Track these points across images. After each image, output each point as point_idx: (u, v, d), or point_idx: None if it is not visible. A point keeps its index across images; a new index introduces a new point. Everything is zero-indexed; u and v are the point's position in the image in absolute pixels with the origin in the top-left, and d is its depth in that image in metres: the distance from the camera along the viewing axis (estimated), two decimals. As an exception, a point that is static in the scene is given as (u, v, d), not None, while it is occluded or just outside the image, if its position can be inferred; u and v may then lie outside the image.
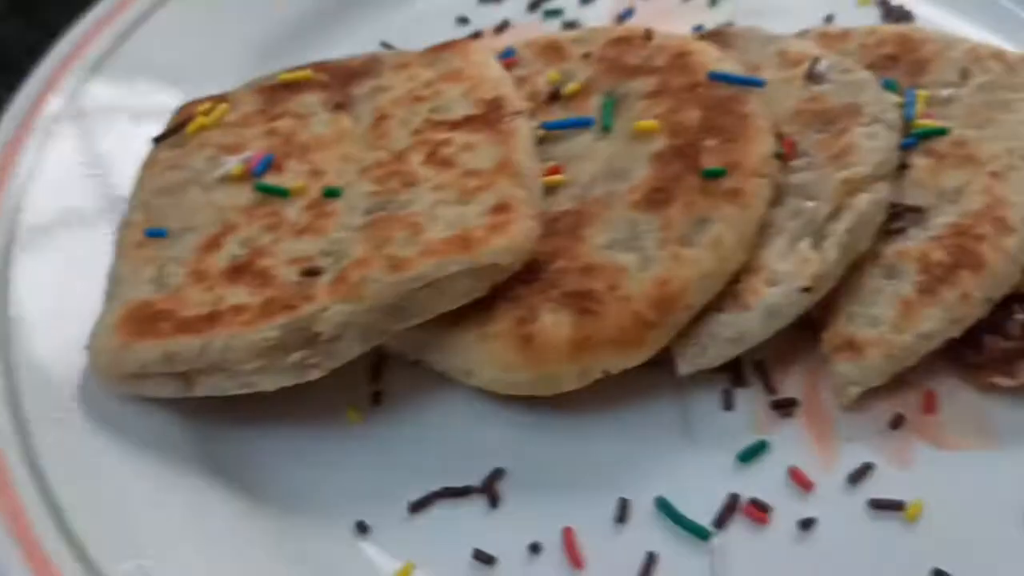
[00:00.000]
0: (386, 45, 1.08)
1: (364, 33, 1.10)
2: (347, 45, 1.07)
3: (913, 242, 0.79)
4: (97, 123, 0.95)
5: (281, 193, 0.80)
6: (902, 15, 1.08)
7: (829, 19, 1.08)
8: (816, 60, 0.87)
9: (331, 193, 0.79)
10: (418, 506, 0.73)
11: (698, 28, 1.06)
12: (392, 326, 0.73)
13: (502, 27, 1.10)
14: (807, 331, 0.79)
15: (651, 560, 0.70)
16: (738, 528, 0.72)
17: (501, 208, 0.75)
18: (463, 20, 1.12)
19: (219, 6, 1.08)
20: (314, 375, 0.73)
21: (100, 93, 0.98)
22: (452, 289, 0.72)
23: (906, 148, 0.83)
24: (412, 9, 1.13)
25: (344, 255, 0.74)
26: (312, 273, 0.74)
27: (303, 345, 0.72)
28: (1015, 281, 0.77)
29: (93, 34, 1.01)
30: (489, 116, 0.82)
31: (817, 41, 0.96)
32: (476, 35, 1.09)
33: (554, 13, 1.11)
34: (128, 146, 0.92)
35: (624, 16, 1.10)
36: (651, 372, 0.77)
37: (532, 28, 1.09)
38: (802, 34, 0.97)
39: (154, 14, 1.05)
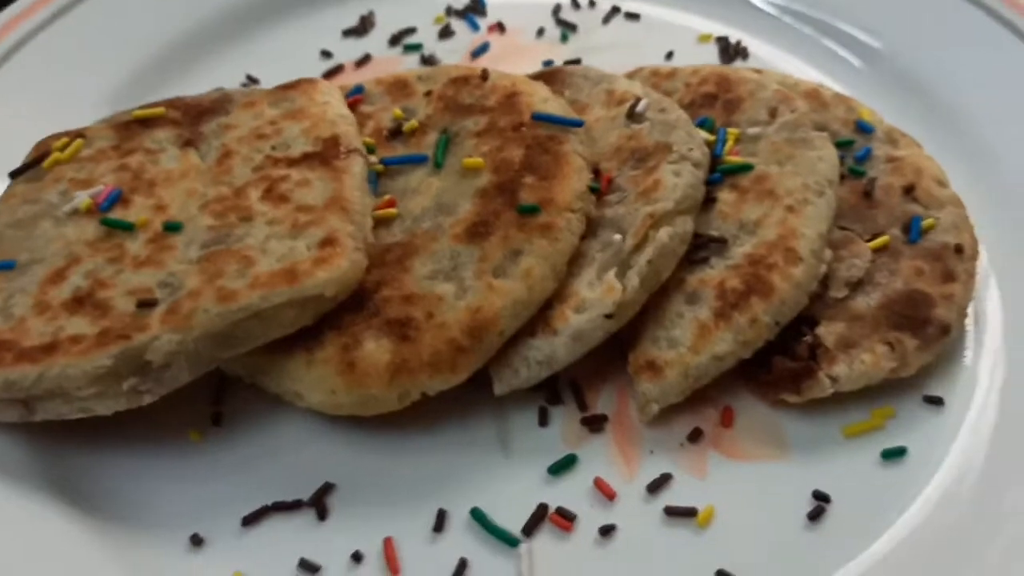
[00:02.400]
0: (251, 78, 1.13)
1: (231, 66, 1.15)
2: (215, 77, 1.13)
3: (714, 270, 0.86)
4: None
5: (125, 227, 0.85)
6: (737, 52, 1.16)
7: (669, 55, 1.15)
8: (637, 100, 0.94)
9: (171, 227, 0.84)
10: (250, 520, 0.79)
11: (548, 63, 1.13)
12: (221, 354, 0.78)
13: (363, 61, 1.16)
14: (618, 353, 0.86)
15: (463, 565, 0.76)
16: (545, 535, 0.78)
17: (328, 242, 0.80)
18: (327, 54, 1.17)
19: (87, 42, 1.11)
20: (147, 400, 0.78)
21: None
22: (278, 319, 0.78)
23: (713, 183, 0.90)
24: (278, 42, 1.18)
25: (180, 287, 0.79)
26: (148, 304, 0.78)
27: (135, 373, 0.76)
28: (802, 306, 0.84)
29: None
30: (326, 154, 0.88)
31: (648, 79, 1.03)
32: (338, 68, 1.15)
33: (413, 48, 1.17)
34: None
35: (479, 52, 1.16)
36: (473, 392, 0.83)
37: (391, 62, 1.15)
38: (634, 72, 1.05)
39: (27, 44, 1.09)
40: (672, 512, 0.79)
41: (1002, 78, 1.04)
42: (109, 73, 1.11)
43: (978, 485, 0.79)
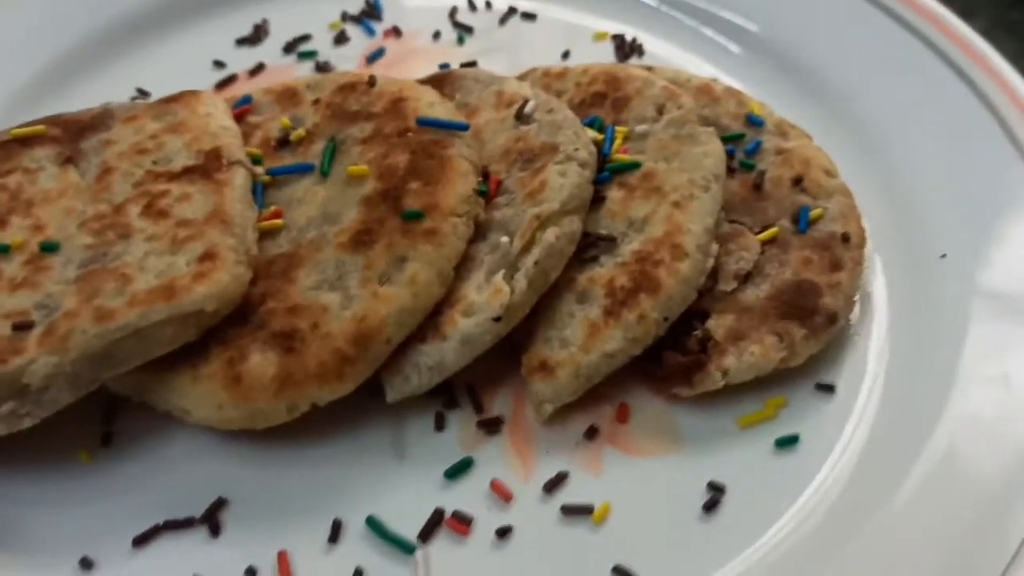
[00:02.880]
0: (141, 91, 1.12)
1: (121, 79, 1.13)
2: (105, 90, 1.10)
3: (604, 268, 0.86)
4: None
5: (1, 250, 0.83)
6: (633, 49, 1.17)
7: (566, 55, 1.16)
8: (525, 101, 0.94)
9: (48, 248, 0.82)
10: (141, 540, 0.77)
11: (444, 66, 1.12)
12: (101, 374, 0.76)
13: (256, 70, 1.14)
14: (513, 354, 0.86)
15: (358, 575, 0.75)
16: (442, 540, 0.78)
17: (208, 256, 0.79)
18: (219, 63, 1.15)
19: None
20: (27, 423, 0.76)
21: None
22: (158, 336, 0.77)
23: (602, 182, 0.91)
24: (170, 52, 1.16)
25: (56, 308, 0.78)
26: (24, 327, 0.77)
27: (14, 396, 0.75)
28: (690, 301, 0.85)
29: None
30: (208, 166, 0.87)
31: (538, 80, 1.03)
32: (231, 78, 1.13)
33: (308, 55, 1.16)
34: None
35: (374, 57, 1.16)
36: (367, 399, 0.82)
37: (286, 71, 1.14)
38: (526, 73, 1.05)
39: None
40: (568, 511, 0.79)
41: (880, 60, 1.06)
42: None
43: (869, 468, 0.81)
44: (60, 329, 0.76)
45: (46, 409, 0.76)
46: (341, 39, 1.18)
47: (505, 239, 0.84)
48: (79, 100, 1.07)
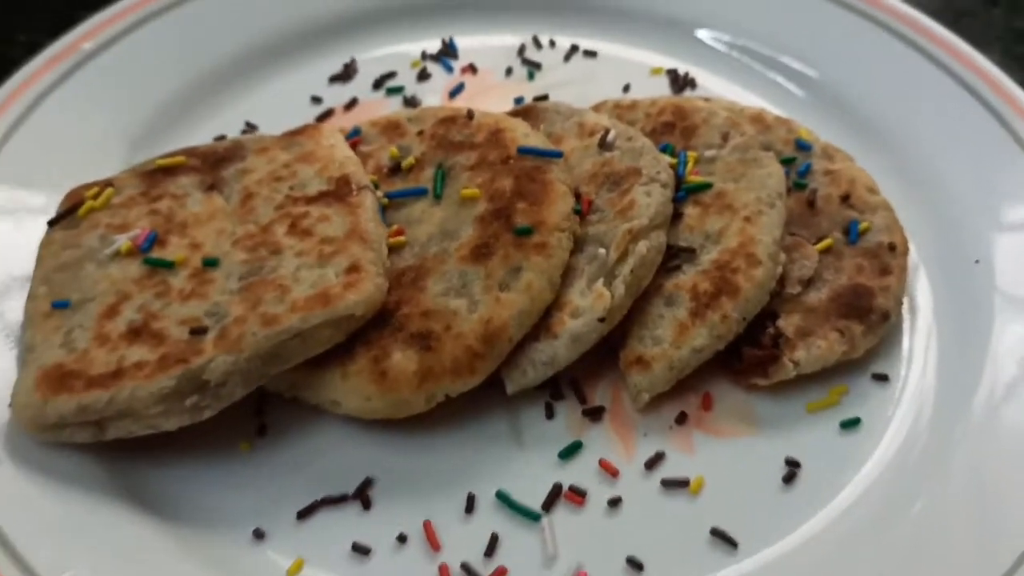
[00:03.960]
0: (250, 124, 1.24)
1: (230, 114, 1.24)
2: (216, 124, 1.22)
3: (687, 276, 0.99)
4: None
5: (167, 265, 0.95)
6: (687, 83, 1.30)
7: (626, 88, 1.29)
8: (607, 131, 1.07)
9: (210, 263, 0.94)
10: (304, 513, 0.89)
11: (519, 100, 1.25)
12: (269, 371, 0.88)
13: (351, 104, 1.27)
14: (610, 352, 0.98)
15: (495, 540, 0.87)
16: (562, 510, 0.90)
17: (353, 268, 0.91)
18: (316, 99, 1.28)
19: (92, 99, 1.20)
20: (207, 415, 0.88)
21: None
22: (316, 338, 0.89)
23: (679, 200, 1.03)
24: (271, 90, 1.28)
25: (225, 315, 0.90)
26: (199, 332, 0.89)
27: (195, 391, 0.87)
28: (764, 303, 0.98)
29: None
30: (339, 191, 0.99)
31: (611, 111, 1.17)
32: (328, 112, 1.26)
33: (395, 90, 1.29)
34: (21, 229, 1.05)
35: (456, 92, 1.28)
36: (486, 393, 0.95)
37: (377, 105, 1.26)
38: (598, 105, 1.18)
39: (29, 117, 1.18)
40: (668, 484, 0.91)
41: (920, 98, 1.20)
42: (118, 124, 1.19)
43: (920, 443, 0.94)
44: (232, 333, 0.88)
45: (224, 401, 0.88)
46: (423, 76, 1.30)
47: (602, 251, 0.97)
48: (193, 133, 1.20)
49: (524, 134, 1.06)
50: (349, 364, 0.91)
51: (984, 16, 1.47)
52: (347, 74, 1.31)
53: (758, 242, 0.99)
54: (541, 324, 0.94)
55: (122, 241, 0.97)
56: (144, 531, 0.86)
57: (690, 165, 1.06)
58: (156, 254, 0.96)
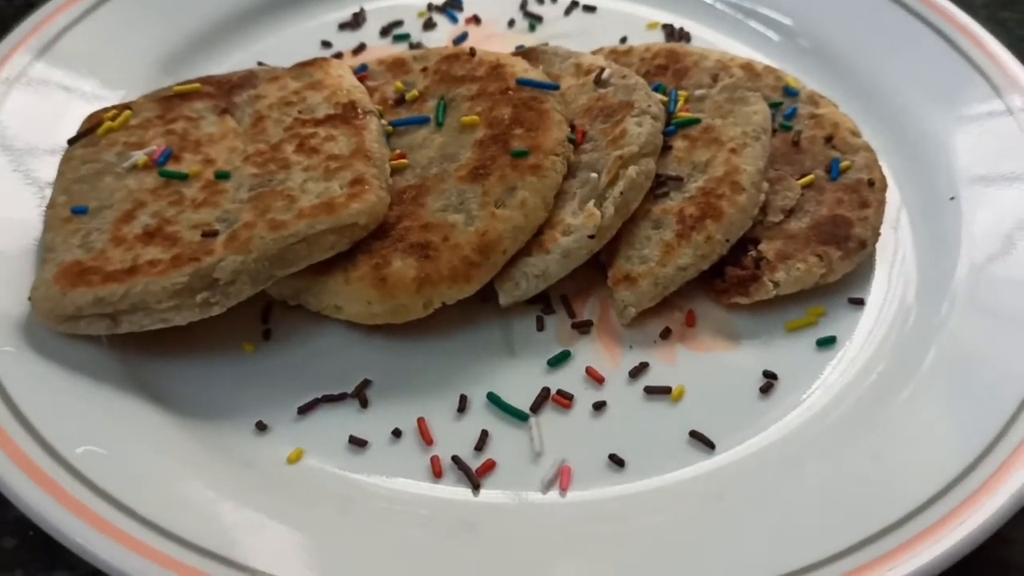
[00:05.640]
0: (261, 63, 1.29)
1: (243, 54, 1.30)
2: (229, 63, 1.28)
3: (674, 201, 1.04)
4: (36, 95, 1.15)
5: (181, 177, 1.00)
6: (682, 36, 1.36)
7: (623, 40, 1.34)
8: (602, 69, 1.12)
9: (221, 176, 1.00)
10: (304, 409, 0.94)
11: (519, 47, 1.31)
12: (276, 272, 0.94)
13: (359, 49, 1.33)
14: (600, 271, 1.04)
15: (484, 436, 0.92)
16: (549, 412, 0.95)
17: (358, 182, 0.97)
18: (326, 43, 1.33)
19: (131, 21, 1.27)
20: (216, 311, 0.93)
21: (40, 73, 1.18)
22: (320, 243, 0.94)
23: (669, 134, 1.09)
24: (283, 33, 1.34)
25: (235, 220, 0.95)
26: (211, 234, 0.94)
27: (206, 288, 0.92)
28: (747, 227, 1.03)
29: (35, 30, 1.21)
30: (346, 115, 1.04)
31: (607, 56, 1.22)
32: (337, 55, 1.31)
33: (402, 37, 1.34)
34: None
35: (459, 40, 1.34)
36: (481, 307, 1.00)
37: (384, 50, 1.32)
38: (596, 52, 1.24)
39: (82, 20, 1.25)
40: (651, 390, 0.96)
41: (892, 43, 1.25)
42: (138, 61, 1.25)
43: (889, 358, 0.99)
44: (242, 236, 0.93)
45: (232, 299, 0.93)
46: (429, 25, 1.36)
47: (594, 175, 1.02)
48: (212, 69, 1.26)
49: (524, 69, 1.12)
50: (352, 271, 0.96)
51: (972, -17, 1.52)
52: (356, 22, 1.36)
53: (742, 171, 1.04)
54: (534, 241, 1.00)
55: (139, 156, 1.03)
56: (155, 419, 0.91)
57: (680, 102, 1.12)
58: (171, 168, 1.01)
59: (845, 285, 1.04)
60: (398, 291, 0.95)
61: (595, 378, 0.97)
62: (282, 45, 1.32)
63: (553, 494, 0.89)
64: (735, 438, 0.93)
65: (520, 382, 0.97)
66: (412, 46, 1.33)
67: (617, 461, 0.91)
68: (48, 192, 1.04)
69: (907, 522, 0.83)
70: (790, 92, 1.18)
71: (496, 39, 1.34)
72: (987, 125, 1.14)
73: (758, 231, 1.05)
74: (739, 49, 1.32)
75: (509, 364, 0.99)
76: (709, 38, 1.35)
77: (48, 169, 1.07)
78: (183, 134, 1.05)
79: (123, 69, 1.22)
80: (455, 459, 0.91)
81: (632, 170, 1.02)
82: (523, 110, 1.05)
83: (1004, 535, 0.84)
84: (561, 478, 0.90)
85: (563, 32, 1.36)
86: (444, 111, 1.09)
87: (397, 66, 1.17)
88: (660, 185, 1.05)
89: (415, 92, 1.12)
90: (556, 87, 1.09)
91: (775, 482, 0.89)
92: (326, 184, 0.97)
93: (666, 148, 1.08)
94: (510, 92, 1.08)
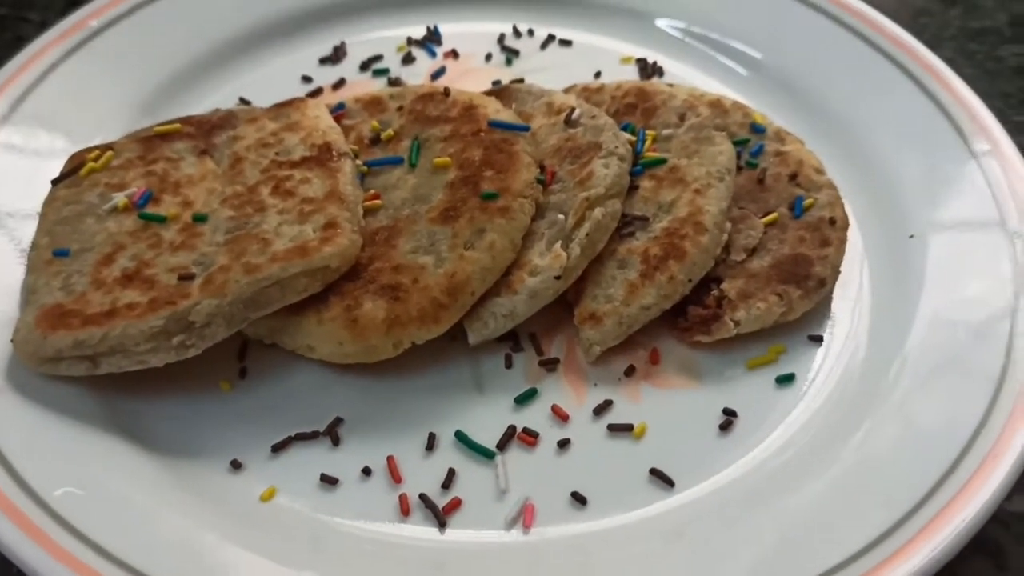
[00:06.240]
0: (243, 100, 1.32)
1: (226, 90, 1.33)
2: (212, 99, 1.31)
3: (639, 241, 1.07)
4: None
5: (159, 220, 1.03)
6: (655, 71, 1.39)
7: (598, 74, 1.37)
8: (572, 109, 1.15)
9: (199, 218, 1.03)
10: (278, 447, 0.97)
11: (496, 83, 1.34)
12: (250, 314, 0.97)
13: (339, 84, 1.36)
14: (567, 310, 1.07)
15: (452, 474, 0.96)
16: (515, 449, 0.98)
17: (330, 225, 1.00)
18: (307, 78, 1.37)
19: (103, 70, 1.29)
20: (192, 353, 0.96)
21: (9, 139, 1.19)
22: (293, 286, 0.97)
23: (636, 174, 1.12)
24: (264, 69, 1.37)
25: (211, 263, 0.98)
26: (187, 278, 0.97)
27: (182, 330, 0.95)
28: (709, 267, 1.06)
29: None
30: (321, 157, 1.08)
31: (579, 94, 1.25)
32: (317, 91, 1.34)
33: (381, 72, 1.38)
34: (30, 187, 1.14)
35: (437, 74, 1.37)
36: (450, 344, 1.04)
37: (363, 85, 1.35)
38: (568, 89, 1.27)
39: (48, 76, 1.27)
40: (614, 428, 1.00)
41: (860, 82, 1.28)
42: (120, 98, 1.28)
43: (847, 394, 1.02)
44: (217, 280, 0.96)
45: (208, 341, 0.96)
46: (408, 59, 1.39)
47: (561, 216, 1.05)
48: (191, 107, 1.29)
49: (495, 110, 1.15)
50: (324, 312, 0.99)
51: (941, 16, 1.55)
52: (336, 56, 1.39)
53: (705, 212, 1.07)
54: (502, 281, 1.03)
55: (119, 198, 1.06)
56: (131, 458, 0.94)
57: (648, 142, 1.15)
58: (150, 210, 1.05)
59: (806, 322, 1.08)
60: (369, 332, 0.98)
61: (560, 416, 1.00)
62: (263, 80, 1.35)
63: (516, 532, 0.92)
64: (695, 476, 0.96)
65: (488, 420, 1.00)
66: (391, 82, 1.36)
67: (579, 499, 0.94)
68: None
69: (866, 553, 0.87)
70: (757, 129, 1.21)
71: (473, 74, 1.37)
72: (950, 168, 1.17)
73: (721, 270, 1.08)
74: (710, 84, 1.35)
75: (478, 401, 1.02)
76: (680, 73, 1.38)
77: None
78: (163, 175, 1.09)
79: (100, 116, 1.25)
80: (422, 497, 0.94)
81: (598, 212, 1.05)
82: (493, 152, 1.08)
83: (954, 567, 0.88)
84: (525, 516, 0.93)
85: (539, 66, 1.39)
86: (418, 152, 1.12)
87: (373, 104, 1.20)
88: (626, 225, 1.08)
89: (390, 132, 1.15)
90: (526, 128, 1.12)
91: (734, 519, 0.93)
92: (300, 227, 1.00)
93: (633, 188, 1.11)
94: (482, 134, 1.11)
